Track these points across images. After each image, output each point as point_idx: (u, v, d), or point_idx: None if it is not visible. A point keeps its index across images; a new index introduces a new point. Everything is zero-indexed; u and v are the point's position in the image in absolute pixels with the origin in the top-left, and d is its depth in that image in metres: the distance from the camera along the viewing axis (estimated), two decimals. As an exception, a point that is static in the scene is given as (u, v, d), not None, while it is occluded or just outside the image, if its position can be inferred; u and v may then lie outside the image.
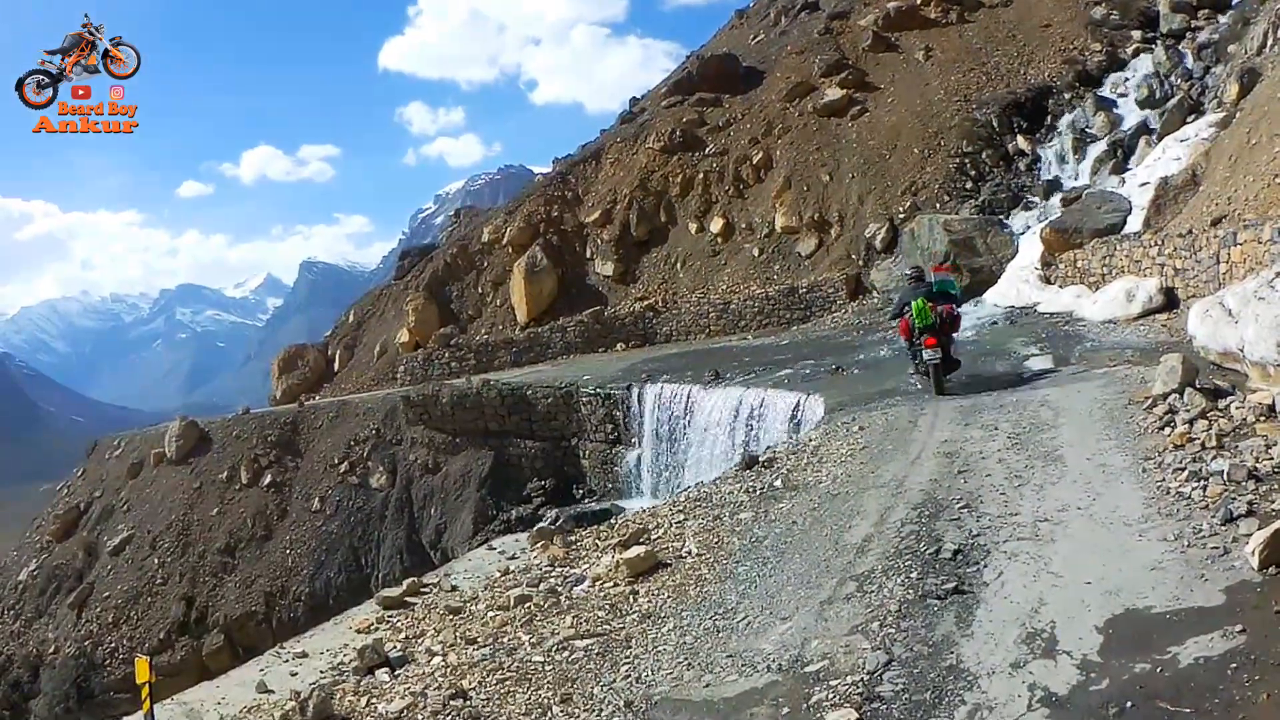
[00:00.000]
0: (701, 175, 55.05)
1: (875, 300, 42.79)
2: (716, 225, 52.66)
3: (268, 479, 49.21)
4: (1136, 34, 50.56)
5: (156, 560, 49.29)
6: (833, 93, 53.98)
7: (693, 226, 53.63)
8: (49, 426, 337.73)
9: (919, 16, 57.50)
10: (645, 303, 51.23)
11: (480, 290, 58.45)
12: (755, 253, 50.25)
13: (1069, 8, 54.40)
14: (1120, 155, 42.17)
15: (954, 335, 24.22)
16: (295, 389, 63.28)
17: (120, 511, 53.68)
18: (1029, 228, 39.80)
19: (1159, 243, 28.31)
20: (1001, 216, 41.84)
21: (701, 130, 57.61)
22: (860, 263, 45.55)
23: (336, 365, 64.20)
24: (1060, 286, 33.98)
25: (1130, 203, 35.13)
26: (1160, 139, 39.88)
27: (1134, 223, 33.71)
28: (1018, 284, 35.82)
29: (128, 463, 56.37)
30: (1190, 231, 26.26)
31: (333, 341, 67.07)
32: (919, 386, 24.50)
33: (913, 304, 23.59)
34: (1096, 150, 43.82)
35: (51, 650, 48.64)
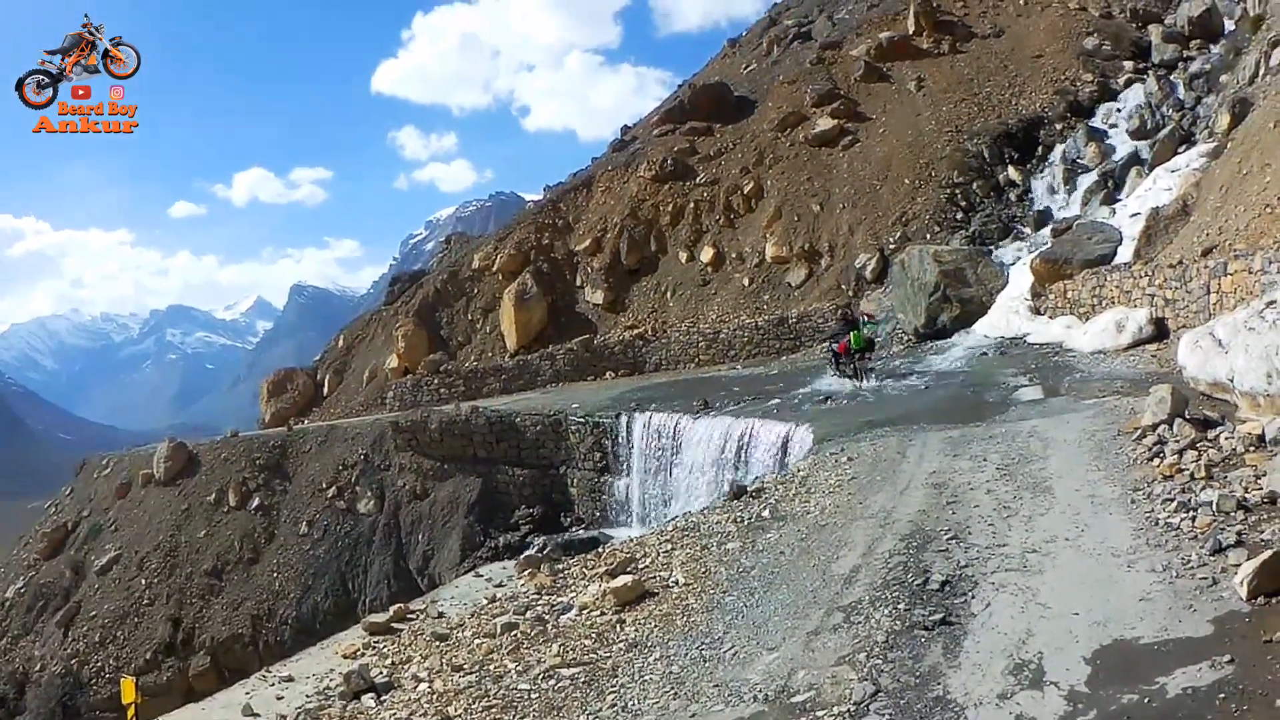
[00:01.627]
0: (692, 204, 54.98)
1: (866, 331, 42.23)
2: (707, 254, 52.45)
3: (255, 502, 48.99)
4: (1128, 64, 50.67)
5: (143, 581, 48.90)
6: (824, 123, 53.87)
7: (683, 255, 53.48)
8: (36, 444, 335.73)
9: (911, 47, 57.52)
10: (635, 331, 51.03)
11: (470, 317, 58.19)
12: (745, 282, 50.02)
13: (1061, 38, 54.43)
14: (1111, 186, 42.15)
15: (870, 355, 34.06)
16: (284, 413, 62.99)
17: (108, 531, 53.42)
18: (1019, 258, 39.75)
19: (1149, 273, 28.36)
20: (992, 247, 41.85)
21: (693, 159, 57.45)
22: (850, 293, 45.34)
23: (326, 390, 63.75)
24: (1050, 317, 34.00)
25: (1121, 233, 35.18)
26: (1151, 169, 40.08)
27: (1124, 253, 33.80)
28: (1008, 314, 35.88)
29: (116, 483, 56.06)
30: (1181, 262, 26.36)
31: (322, 366, 66.67)
32: (843, 384, 33.19)
33: (852, 335, 33.62)
34: (1087, 181, 43.71)
35: (38, 668, 48.39)
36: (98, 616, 48.59)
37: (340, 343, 67.36)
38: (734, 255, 51.87)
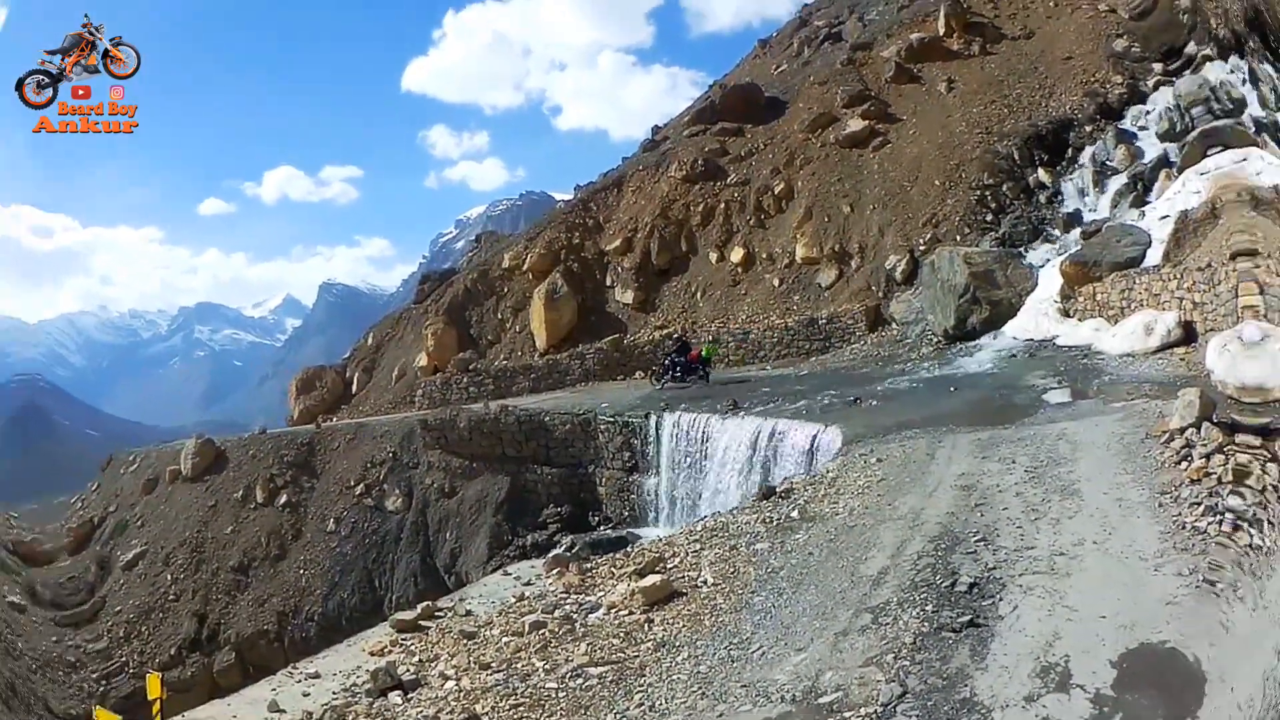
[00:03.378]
0: (723, 205, 54.72)
1: (895, 332, 42.45)
2: (737, 255, 52.28)
3: (283, 499, 48.40)
4: (1158, 66, 49.36)
5: (169, 576, 48.27)
6: (855, 124, 53.52)
7: (713, 256, 53.27)
8: (64, 440, 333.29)
9: (941, 48, 56.97)
10: (665, 331, 50.70)
11: (500, 316, 57.95)
12: (775, 283, 49.89)
13: (1090, 39, 53.63)
14: (1140, 189, 41.50)
15: (708, 369, 41.28)
16: (313, 410, 62.46)
17: (134, 526, 52.90)
18: (1049, 260, 39.41)
19: (1177, 276, 28.16)
20: (1021, 249, 41.46)
21: (724, 160, 57.16)
22: (880, 294, 45.19)
23: (355, 387, 63.44)
24: (1079, 320, 33.87)
25: (1150, 236, 34.67)
26: (1180, 172, 39.10)
27: (1153, 256, 33.33)
28: (1037, 317, 35.77)
29: (143, 478, 55.60)
30: (1209, 265, 26.07)
31: (351, 364, 66.30)
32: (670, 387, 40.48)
33: (705, 347, 43.18)
34: (1117, 183, 43.15)
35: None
36: (123, 611, 47.84)
37: (370, 340, 67.02)
38: (764, 256, 51.68)
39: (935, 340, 39.37)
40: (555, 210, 64.85)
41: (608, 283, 55.78)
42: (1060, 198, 45.65)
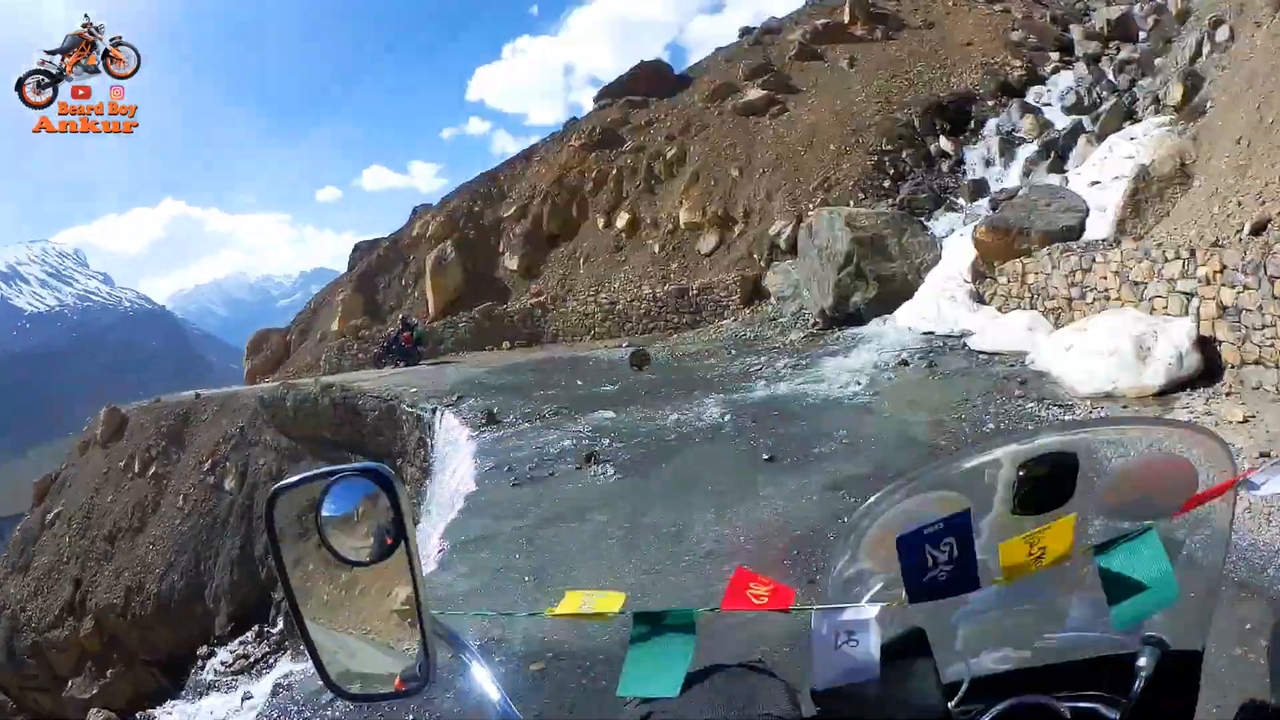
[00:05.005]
0: (615, 171, 39.55)
1: (770, 308, 26.79)
2: (623, 220, 37.19)
3: (152, 470, 36.26)
4: (1054, 55, 36.91)
5: (67, 540, 37.65)
6: (754, 93, 38.65)
7: (601, 221, 38.30)
8: (210, 375, 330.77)
9: (845, 33, 42.62)
10: (537, 299, 36.22)
11: (404, 283, 43.57)
12: (656, 249, 34.75)
13: (988, 29, 39.99)
14: (1054, 156, 27.54)
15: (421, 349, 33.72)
16: (256, 370, 48.26)
17: (65, 486, 41.78)
18: (953, 231, 24.08)
19: (1173, 256, 12.62)
20: (922, 219, 25.80)
21: (624, 129, 42.16)
22: (762, 263, 29.80)
23: (290, 350, 48.48)
24: (1000, 309, 17.60)
25: (1086, 202, 19.47)
26: (1101, 139, 25.74)
27: (1098, 227, 18.37)
28: (940, 300, 18.84)
29: (81, 439, 44.33)
30: (1218, 243, 12.10)
31: (293, 328, 50.95)
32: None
33: (416, 330, 34.04)
34: (1027, 151, 28.76)
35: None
36: (36, 568, 38.20)
37: (311, 305, 51.87)
38: (649, 221, 36.44)
39: (810, 322, 23.26)
40: (467, 182, 49.04)
41: (500, 250, 40.63)
42: (964, 167, 30.83)
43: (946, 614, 1.75)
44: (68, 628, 34.64)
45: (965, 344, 17.38)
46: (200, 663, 29.19)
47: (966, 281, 19.62)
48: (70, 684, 33.14)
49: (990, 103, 33.36)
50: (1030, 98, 33.03)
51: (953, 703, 1.73)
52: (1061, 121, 29.73)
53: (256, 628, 28.91)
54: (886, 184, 30.23)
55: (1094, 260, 14.80)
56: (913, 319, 19.81)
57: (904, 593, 1.62)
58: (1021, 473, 1.64)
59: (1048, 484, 1.65)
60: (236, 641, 28.98)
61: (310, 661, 1.57)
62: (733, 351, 22.22)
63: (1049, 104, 32.03)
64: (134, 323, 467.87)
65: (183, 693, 28.35)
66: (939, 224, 25.55)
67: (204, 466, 33.90)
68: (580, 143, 41.71)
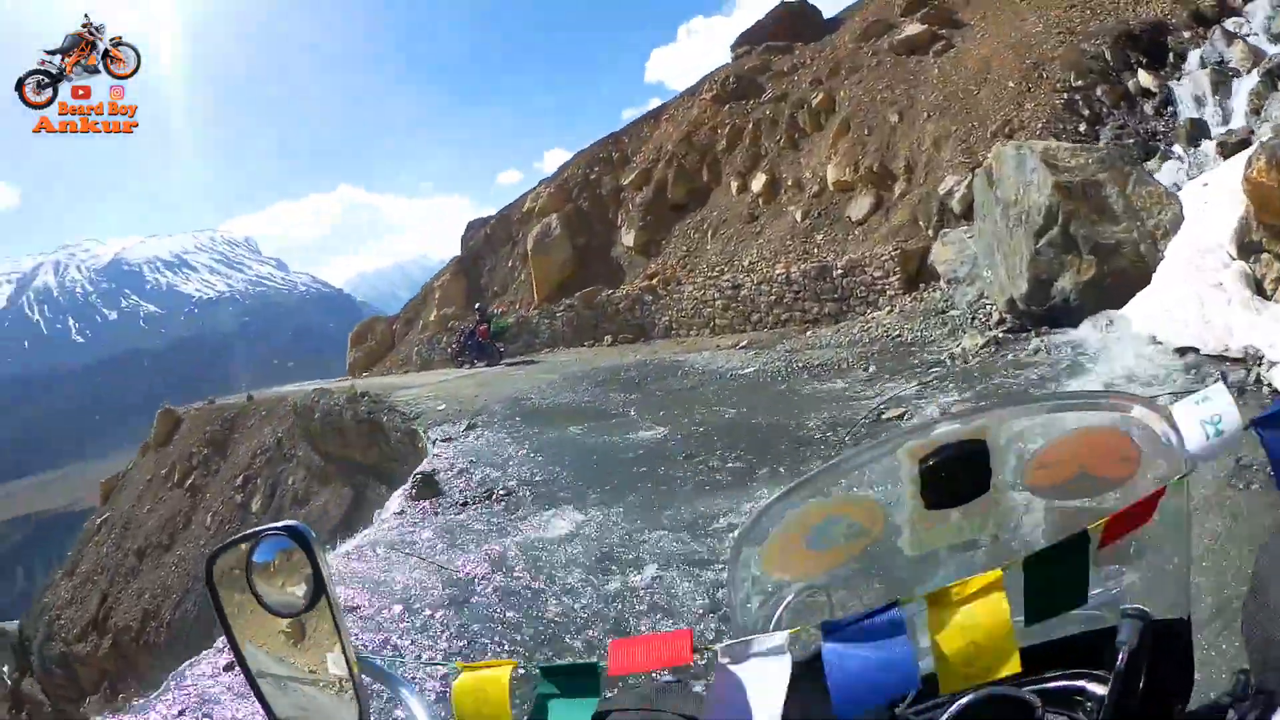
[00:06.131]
0: (752, 125, 32.77)
1: (938, 295, 19.58)
2: (759, 183, 30.41)
3: (190, 481, 34.26)
4: None
5: (104, 549, 36.69)
6: (913, 28, 31.58)
7: (734, 185, 31.61)
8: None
9: None
10: (649, 282, 29.96)
11: (510, 265, 38.05)
12: (798, 217, 27.88)
13: None
14: None
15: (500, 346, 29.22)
16: (359, 362, 43.69)
17: (122, 489, 39.90)
18: (1176, 186, 16.40)
19: None
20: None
21: (762, 76, 35.50)
22: (930, 232, 22.66)
23: (395, 341, 43.83)
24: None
25: None
26: None
27: None
28: (1199, 289, 12.12)
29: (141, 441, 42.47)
30: None
31: (401, 315, 46.66)
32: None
33: (492, 321, 29.84)
34: (1248, 83, 21.63)
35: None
36: (78, 575, 37.19)
37: (422, 291, 46.55)
38: (790, 183, 29.53)
39: (993, 318, 16.01)
40: (584, 149, 43.23)
41: (617, 223, 34.65)
42: (1172, 106, 23.58)
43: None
44: (90, 643, 33.25)
45: (1258, 376, 9.56)
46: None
47: (1233, 258, 12.20)
48: (87, 701, 31.37)
49: (1186, 34, 25.79)
50: (1229, 25, 24.99)
51: (900, 706, 1.62)
52: (1270, 49, 22.70)
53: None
54: (1082, 128, 23.35)
55: None
56: (1156, 321, 12.16)
57: (827, 597, 1.71)
58: (923, 466, 1.59)
59: (957, 475, 1.59)
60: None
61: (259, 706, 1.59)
62: (873, 367, 15.50)
63: (1249, 35, 24.30)
64: (310, 307, 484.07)
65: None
66: (1160, 177, 18.28)
67: (236, 481, 31.42)
68: (712, 94, 35.57)
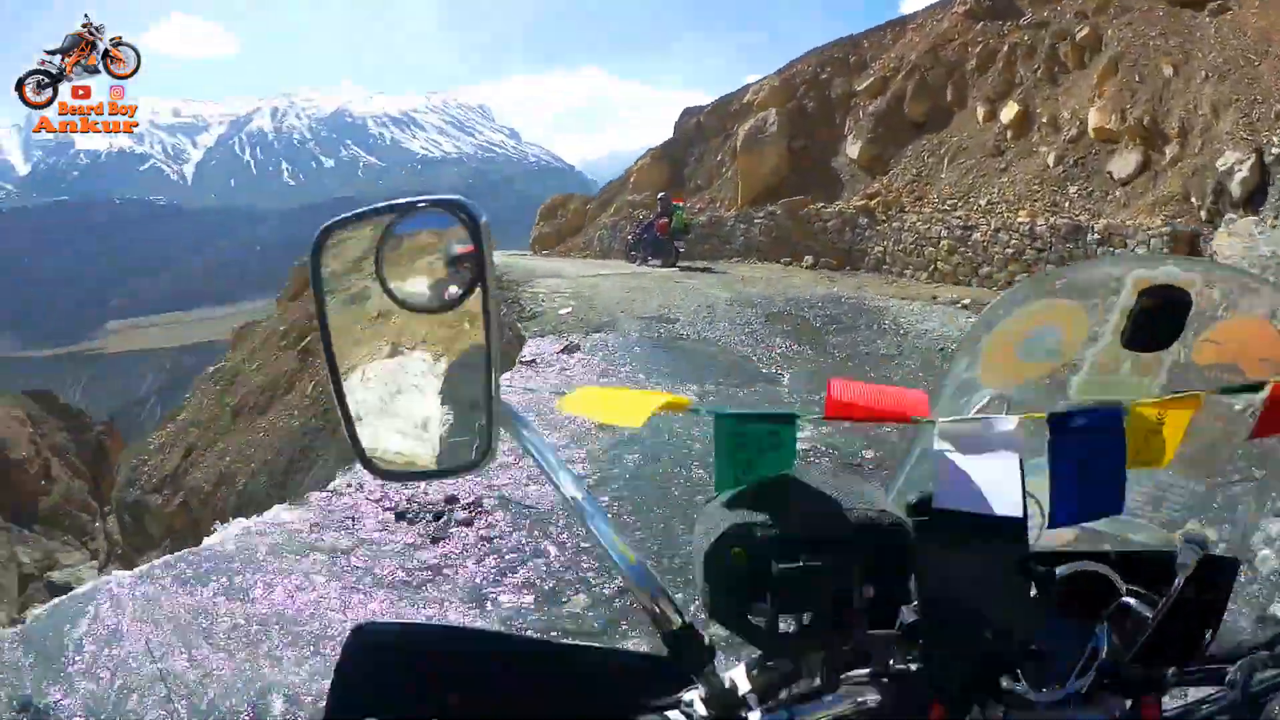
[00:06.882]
0: (1007, 49, 30.05)
1: (682, 215, 26.77)
2: (1010, 114, 27.78)
3: (304, 344, 31.52)
4: None
5: (206, 401, 36.00)
6: (1189, -21, 28.79)
7: (981, 112, 28.98)
8: None
9: None
10: (869, 201, 27.69)
11: (719, 159, 35.80)
12: (1050, 161, 25.17)
13: None
14: None
15: (679, 245, 27.07)
16: (545, 238, 43.17)
17: (247, 339, 39.26)
18: None
19: None
20: None
21: (1022, -1, 32.87)
22: (1203, 212, 20.02)
23: (586, 221, 42.67)
24: None
25: None
26: None
27: None
28: None
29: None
30: None
31: (599, 195, 45.06)
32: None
33: (674, 215, 26.69)
34: None
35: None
36: (176, 424, 36.15)
37: (625, 174, 43.90)
38: (1045, 120, 26.84)
39: None
40: (819, 46, 40.81)
41: (845, 131, 32.18)
42: None
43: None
44: (164, 496, 32.32)
45: None
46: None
47: None
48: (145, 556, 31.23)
49: None
50: None
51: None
52: None
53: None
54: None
55: None
56: None
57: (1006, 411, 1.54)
58: (1140, 299, 1.58)
59: (1160, 319, 1.57)
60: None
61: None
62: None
63: None
64: (539, 177, 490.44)
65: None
66: None
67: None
68: (966, 9, 32.87)
